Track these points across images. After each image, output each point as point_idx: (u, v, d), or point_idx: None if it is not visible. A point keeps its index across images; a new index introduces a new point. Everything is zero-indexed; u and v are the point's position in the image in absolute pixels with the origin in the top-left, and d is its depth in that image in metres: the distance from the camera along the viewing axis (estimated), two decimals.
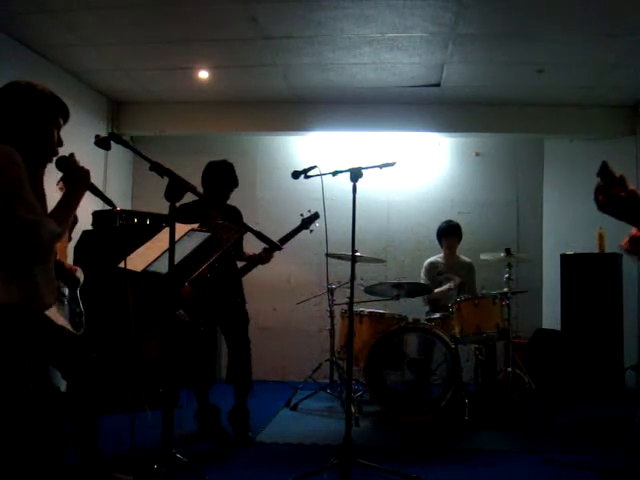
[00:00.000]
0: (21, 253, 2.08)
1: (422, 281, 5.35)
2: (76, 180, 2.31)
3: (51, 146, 2.30)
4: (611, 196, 1.86)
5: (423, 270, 5.46)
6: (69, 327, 2.52)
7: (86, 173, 2.32)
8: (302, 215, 3.89)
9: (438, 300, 5.26)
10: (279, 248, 3.46)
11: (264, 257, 3.91)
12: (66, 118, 2.35)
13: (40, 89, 2.29)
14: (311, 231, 3.89)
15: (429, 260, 5.48)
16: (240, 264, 4.00)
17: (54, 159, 2.33)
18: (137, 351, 4.20)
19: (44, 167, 2.32)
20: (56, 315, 2.50)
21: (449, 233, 5.37)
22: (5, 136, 2.17)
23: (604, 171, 2.16)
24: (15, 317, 2.10)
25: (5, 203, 2.03)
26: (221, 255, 3.77)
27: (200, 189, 2.41)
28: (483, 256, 5.24)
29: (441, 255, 5.46)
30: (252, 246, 3.91)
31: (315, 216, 3.93)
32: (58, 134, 2.32)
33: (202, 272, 3.71)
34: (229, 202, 4.01)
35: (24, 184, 2.09)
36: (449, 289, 5.22)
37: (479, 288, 5.32)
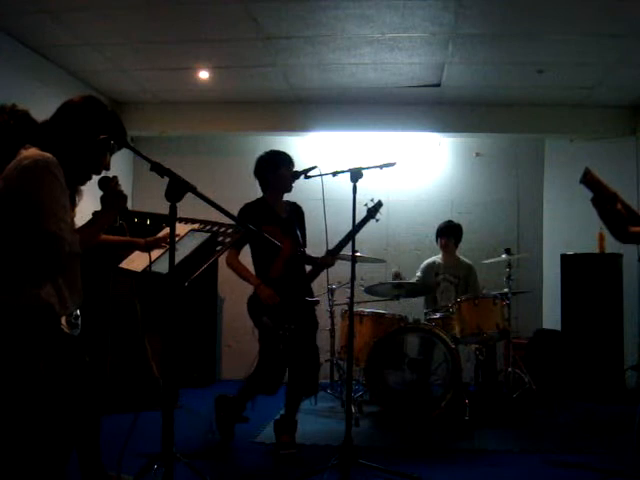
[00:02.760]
0: (39, 261, 2.11)
1: (415, 279, 5.35)
2: (112, 203, 2.37)
3: (99, 167, 2.36)
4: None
5: (419, 270, 5.46)
6: (64, 325, 2.53)
7: (124, 198, 2.39)
8: (366, 205, 3.70)
9: (438, 300, 5.27)
10: (280, 248, 3.45)
11: (330, 260, 3.75)
12: (120, 145, 2.37)
13: (109, 110, 2.35)
14: (377, 220, 3.74)
15: (426, 261, 5.49)
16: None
17: (98, 177, 2.39)
18: (145, 348, 4.21)
19: (83, 184, 2.38)
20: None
21: (444, 233, 5.37)
22: (57, 145, 2.20)
23: (587, 177, 2.19)
24: (38, 319, 2.13)
25: (34, 211, 2.06)
26: (292, 258, 3.74)
27: (203, 189, 2.40)
28: (486, 261, 5.24)
29: (440, 256, 5.46)
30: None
31: (379, 204, 3.74)
32: (109, 157, 2.38)
33: (278, 271, 3.66)
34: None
35: (57, 196, 2.12)
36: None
37: (480, 290, 5.31)
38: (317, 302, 3.85)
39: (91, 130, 2.26)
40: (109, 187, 2.37)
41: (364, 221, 3.70)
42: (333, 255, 3.73)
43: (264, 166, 3.85)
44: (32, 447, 2.12)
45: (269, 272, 3.70)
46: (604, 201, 2.23)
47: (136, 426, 2.43)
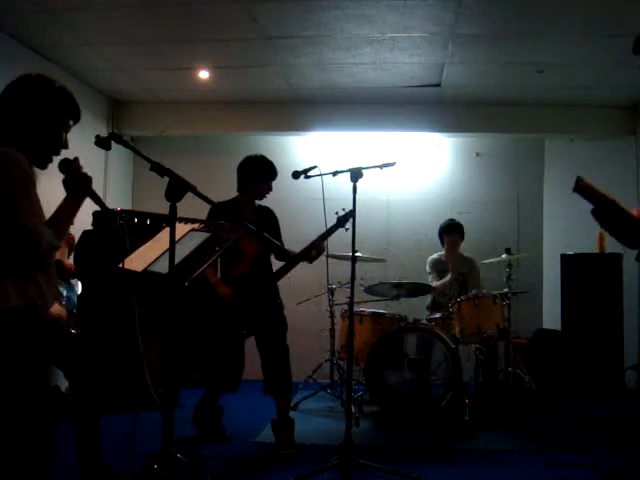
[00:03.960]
0: (19, 260, 2.06)
1: (429, 276, 5.34)
2: (77, 186, 2.22)
3: (57, 146, 2.22)
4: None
5: (428, 266, 5.43)
6: (65, 323, 2.54)
7: (88, 180, 2.23)
8: (337, 214, 3.78)
9: (441, 295, 5.26)
10: (281, 249, 3.46)
11: (317, 250, 3.79)
12: (76, 120, 2.27)
13: (58, 86, 2.21)
14: (347, 229, 3.80)
15: (432, 257, 5.46)
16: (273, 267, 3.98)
17: (58, 160, 2.25)
18: (141, 351, 4.21)
19: (44, 167, 2.28)
20: (58, 313, 2.52)
21: (452, 230, 5.36)
22: (10, 130, 2.10)
23: (580, 185, 2.18)
24: (23, 319, 2.11)
25: (7, 210, 2.01)
26: (258, 256, 3.79)
27: (203, 189, 2.40)
28: (486, 261, 5.24)
29: (442, 253, 5.45)
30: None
31: (350, 214, 3.76)
32: (66, 135, 2.25)
33: (242, 270, 3.72)
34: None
35: (28, 191, 2.06)
36: (449, 282, 5.23)
37: (481, 285, 5.31)
38: (282, 306, 3.90)
39: (42, 108, 2.14)
40: (71, 169, 2.21)
41: (332, 229, 3.80)
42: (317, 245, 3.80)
43: (248, 171, 3.93)
44: (19, 448, 2.12)
45: (231, 271, 3.78)
46: (605, 211, 2.22)
47: (135, 426, 2.43)
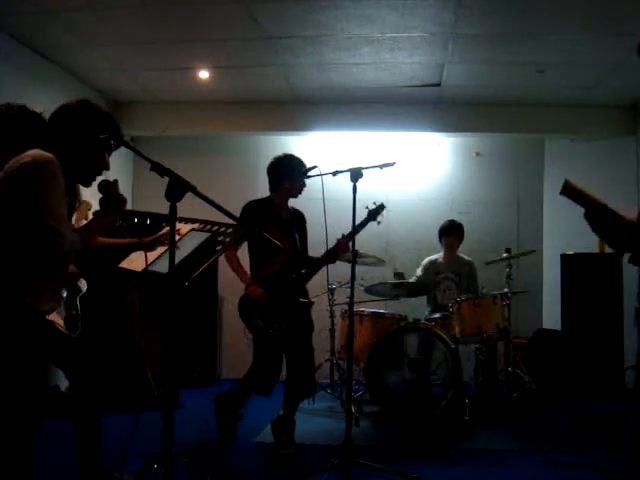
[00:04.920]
0: (42, 259, 2.11)
1: (415, 277, 5.34)
2: (112, 206, 2.40)
3: (98, 169, 2.38)
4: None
5: (420, 267, 5.45)
6: (62, 326, 2.54)
7: (124, 201, 2.43)
8: (367, 207, 3.73)
9: (439, 299, 5.27)
10: (279, 248, 3.45)
11: (341, 247, 3.70)
12: (119, 144, 2.40)
13: (103, 112, 2.37)
14: (379, 223, 3.76)
15: (428, 258, 5.47)
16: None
17: (97, 181, 2.41)
18: (142, 351, 4.21)
19: (89, 185, 2.41)
20: (55, 316, 2.52)
21: (450, 232, 5.36)
22: (57, 149, 2.22)
23: (567, 188, 2.18)
24: (22, 320, 2.12)
25: (33, 206, 2.07)
26: (289, 257, 3.75)
27: (203, 189, 2.40)
28: (489, 260, 5.24)
29: (441, 254, 5.45)
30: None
31: (381, 207, 3.77)
32: (108, 158, 2.40)
33: (272, 270, 3.67)
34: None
35: (56, 193, 2.13)
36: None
37: (480, 289, 5.32)
38: (311, 304, 3.85)
39: (88, 131, 2.29)
40: (109, 190, 2.40)
41: (363, 223, 3.72)
42: (346, 241, 3.68)
43: (283, 169, 3.87)
44: (11, 446, 2.13)
45: (263, 272, 3.73)
46: (595, 214, 2.22)
47: (136, 426, 2.43)
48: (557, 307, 5.70)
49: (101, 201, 2.41)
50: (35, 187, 2.09)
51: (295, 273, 3.82)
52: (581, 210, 2.38)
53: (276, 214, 3.82)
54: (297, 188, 3.87)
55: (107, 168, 2.40)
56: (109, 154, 2.40)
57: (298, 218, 4.00)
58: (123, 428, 2.43)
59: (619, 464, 3.36)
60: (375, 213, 3.74)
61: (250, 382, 3.79)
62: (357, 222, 3.45)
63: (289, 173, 3.85)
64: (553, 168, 6.39)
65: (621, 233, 2.28)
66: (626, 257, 2.38)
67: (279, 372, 3.76)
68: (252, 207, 3.79)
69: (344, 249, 3.72)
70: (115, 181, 2.42)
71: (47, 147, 2.21)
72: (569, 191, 2.31)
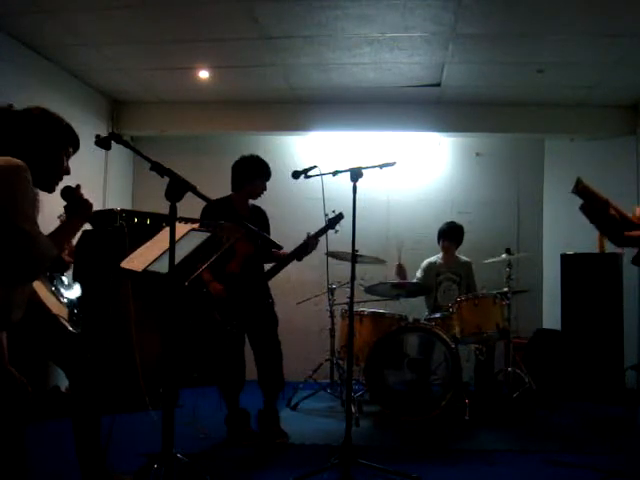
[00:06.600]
0: (18, 265, 2.08)
1: (415, 280, 5.35)
2: (78, 211, 2.37)
3: (59, 173, 2.36)
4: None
5: (420, 270, 5.45)
6: (67, 322, 2.54)
7: (89, 206, 2.39)
8: (327, 215, 3.86)
9: (439, 300, 5.28)
10: (280, 247, 3.45)
11: (310, 244, 3.84)
12: (76, 148, 2.40)
13: (55, 117, 2.34)
14: (336, 231, 3.87)
15: (428, 260, 5.48)
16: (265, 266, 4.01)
17: (60, 188, 2.39)
18: (137, 351, 4.21)
19: (52, 190, 2.37)
20: (59, 308, 2.52)
21: (447, 236, 5.37)
22: (20, 153, 2.19)
23: (579, 187, 2.19)
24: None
25: (8, 211, 2.04)
26: (250, 256, 3.82)
27: (203, 189, 2.41)
28: (486, 261, 5.24)
29: (440, 255, 5.46)
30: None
31: (340, 216, 3.90)
32: (67, 162, 2.38)
33: (233, 269, 3.77)
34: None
35: (29, 198, 2.12)
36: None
37: (479, 288, 5.32)
38: (272, 303, 3.96)
39: (44, 138, 2.27)
40: (74, 196, 2.38)
41: (322, 231, 3.86)
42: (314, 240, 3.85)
43: (243, 170, 3.96)
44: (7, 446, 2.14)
45: (225, 269, 3.79)
46: (594, 209, 2.23)
47: (136, 426, 2.43)
48: (557, 307, 5.70)
49: (66, 208, 2.39)
50: (10, 190, 2.05)
51: (258, 270, 3.91)
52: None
53: (237, 213, 3.85)
54: (256, 191, 3.96)
55: (67, 173, 2.38)
56: (67, 158, 2.38)
57: (258, 215, 4.03)
58: (123, 428, 2.43)
59: (619, 464, 3.37)
60: (334, 222, 3.86)
61: (223, 381, 3.87)
62: (316, 230, 3.79)
63: (249, 176, 3.93)
64: (553, 168, 6.39)
65: (622, 228, 2.30)
66: (627, 257, 2.40)
67: (243, 366, 3.85)
68: (213, 207, 3.66)
69: (313, 246, 3.86)
70: (78, 186, 2.41)
71: (9, 153, 2.17)
72: (581, 190, 2.32)
